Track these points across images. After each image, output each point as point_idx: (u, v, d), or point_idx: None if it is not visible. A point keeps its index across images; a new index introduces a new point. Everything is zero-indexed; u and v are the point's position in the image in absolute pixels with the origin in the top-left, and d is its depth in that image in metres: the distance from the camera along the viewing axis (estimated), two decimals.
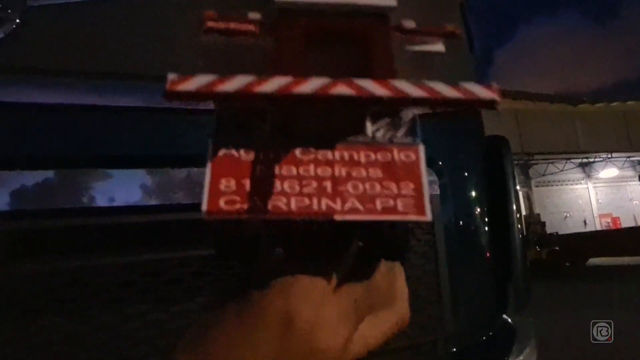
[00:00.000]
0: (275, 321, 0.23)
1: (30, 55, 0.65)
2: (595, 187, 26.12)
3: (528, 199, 23.59)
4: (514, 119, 19.71)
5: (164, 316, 0.66)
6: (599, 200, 26.06)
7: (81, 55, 0.68)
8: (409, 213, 0.22)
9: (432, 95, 0.19)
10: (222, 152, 0.23)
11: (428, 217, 0.23)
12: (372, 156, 0.24)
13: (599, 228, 23.96)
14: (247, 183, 0.22)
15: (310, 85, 0.18)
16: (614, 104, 22.61)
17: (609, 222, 25.18)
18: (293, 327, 0.23)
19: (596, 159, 24.18)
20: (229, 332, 0.24)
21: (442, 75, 0.20)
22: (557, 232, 19.63)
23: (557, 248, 14.15)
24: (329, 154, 0.24)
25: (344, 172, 0.23)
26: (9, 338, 0.58)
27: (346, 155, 0.24)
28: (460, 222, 0.93)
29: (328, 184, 0.23)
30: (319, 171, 0.23)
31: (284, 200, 0.22)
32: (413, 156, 0.24)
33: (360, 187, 0.23)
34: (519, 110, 20.07)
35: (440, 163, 0.90)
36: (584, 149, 21.59)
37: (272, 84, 0.18)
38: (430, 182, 0.87)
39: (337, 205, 0.22)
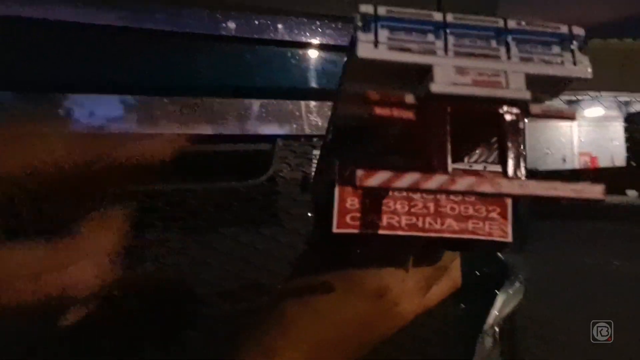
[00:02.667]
0: (371, 293, 0.30)
1: None
2: (580, 125, 26.41)
3: None
4: None
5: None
6: (581, 139, 26.50)
7: None
8: (493, 235, 0.27)
9: (552, 194, 0.21)
10: (346, 173, 0.27)
11: (509, 239, 0.27)
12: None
13: (577, 166, 24.60)
14: (367, 202, 0.27)
15: (465, 182, 0.21)
16: (611, 40, 22.21)
17: (587, 161, 25.83)
18: (384, 298, 0.30)
19: (584, 97, 24.20)
20: (332, 297, 0.30)
21: None
22: (536, 169, 20.14)
23: None
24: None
25: (444, 195, 0.28)
26: None
27: None
28: None
29: (431, 205, 0.28)
30: (424, 193, 0.27)
31: (396, 218, 0.27)
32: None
33: (457, 208, 0.28)
34: None
35: None
36: (574, 86, 21.46)
37: (436, 182, 0.21)
38: None
39: (437, 224, 0.27)
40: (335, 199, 0.27)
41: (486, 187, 0.21)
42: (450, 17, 0.22)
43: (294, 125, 0.74)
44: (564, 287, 3.80)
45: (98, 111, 0.63)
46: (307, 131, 0.74)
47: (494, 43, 0.22)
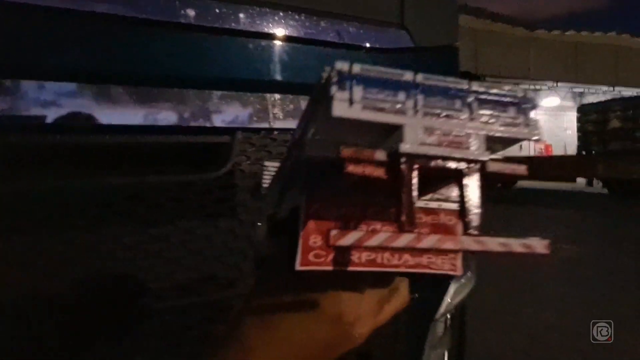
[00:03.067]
0: (329, 317, 0.31)
1: None
2: (537, 114, 27.37)
3: None
4: (472, 40, 19.64)
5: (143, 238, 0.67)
6: None
7: None
8: (445, 268, 0.29)
9: (505, 249, 0.24)
10: (312, 211, 0.28)
11: (459, 272, 0.29)
12: (424, 218, 0.29)
13: (532, 153, 25.65)
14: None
15: (430, 241, 0.24)
16: (568, 32, 23.00)
17: (542, 149, 26.95)
18: (341, 321, 0.31)
19: (542, 87, 25.09)
20: (292, 321, 0.31)
21: None
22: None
23: None
24: (392, 215, 0.29)
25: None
26: None
27: None
28: None
29: None
30: (384, 229, 0.29)
31: (357, 255, 0.28)
32: (454, 219, 0.30)
33: None
34: (478, 31, 19.93)
35: None
36: (534, 76, 22.24)
37: (404, 241, 0.24)
38: None
39: (395, 259, 0.28)
40: (300, 237, 0.27)
41: (449, 245, 0.24)
42: (420, 78, 0.23)
43: (255, 118, 0.74)
44: (514, 273, 3.99)
45: (46, 97, 0.60)
46: (268, 124, 0.74)
47: (458, 103, 0.24)
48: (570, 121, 26.65)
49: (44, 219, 0.62)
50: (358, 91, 0.22)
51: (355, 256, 0.28)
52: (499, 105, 0.25)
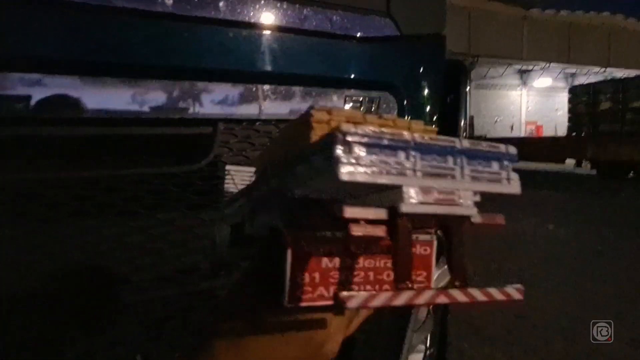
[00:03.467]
0: (300, 339, 0.32)
1: None
2: (528, 94, 27.45)
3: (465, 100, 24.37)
4: (466, 19, 19.43)
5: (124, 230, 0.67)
6: (528, 108, 27.62)
7: None
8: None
9: (488, 299, 0.26)
10: (298, 249, 0.29)
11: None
12: None
13: (523, 134, 25.76)
14: (316, 276, 0.29)
15: (427, 296, 0.25)
16: (562, 12, 22.83)
17: (533, 129, 27.09)
18: (312, 342, 0.33)
19: (535, 68, 25.02)
20: (263, 345, 0.32)
21: None
22: (486, 135, 20.90)
23: None
24: (374, 248, 0.31)
25: (382, 264, 0.31)
26: None
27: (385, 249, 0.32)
28: None
29: (371, 274, 0.31)
30: (366, 263, 0.31)
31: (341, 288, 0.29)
32: (429, 250, 0.32)
33: (392, 275, 0.31)
34: (472, 9, 19.71)
35: (400, 88, 0.91)
36: (527, 56, 22.15)
37: (404, 298, 0.25)
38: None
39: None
40: (288, 275, 0.28)
41: (442, 299, 0.26)
42: (417, 137, 0.24)
43: (237, 109, 0.73)
44: (500, 256, 4.06)
45: (19, 92, 0.59)
46: (250, 115, 0.73)
47: (450, 161, 0.25)
48: (561, 102, 26.74)
49: (22, 211, 0.61)
50: (361, 153, 0.23)
51: (339, 288, 0.29)
52: (484, 160, 0.26)
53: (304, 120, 0.26)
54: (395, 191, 0.24)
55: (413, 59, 0.95)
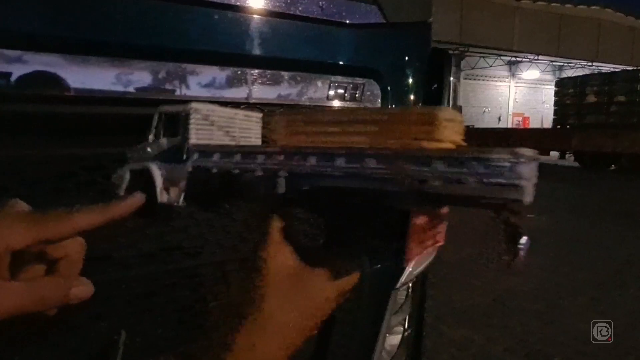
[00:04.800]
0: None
1: None
2: (517, 86, 27.63)
3: (454, 90, 24.49)
4: (458, 9, 19.39)
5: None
6: (516, 100, 27.82)
7: None
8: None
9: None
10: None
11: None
12: None
13: (510, 125, 25.99)
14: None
15: None
16: (553, 4, 22.89)
17: (519, 121, 27.32)
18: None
19: (524, 59, 25.15)
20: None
21: None
22: (473, 125, 21.07)
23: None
24: None
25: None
26: None
27: None
28: None
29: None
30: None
31: None
32: None
33: None
34: None
35: (384, 75, 0.92)
36: (517, 48, 22.22)
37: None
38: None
39: None
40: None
41: None
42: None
43: (222, 92, 0.74)
44: (481, 241, 4.12)
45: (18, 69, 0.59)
46: (235, 99, 0.74)
47: None
48: (548, 94, 26.94)
49: (3, 188, 0.62)
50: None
51: None
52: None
53: (428, 117, 0.28)
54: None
55: (398, 46, 0.96)
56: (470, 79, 25.86)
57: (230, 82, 0.76)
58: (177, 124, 0.49)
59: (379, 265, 1.02)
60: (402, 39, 0.96)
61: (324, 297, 0.39)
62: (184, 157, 0.48)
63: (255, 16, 0.73)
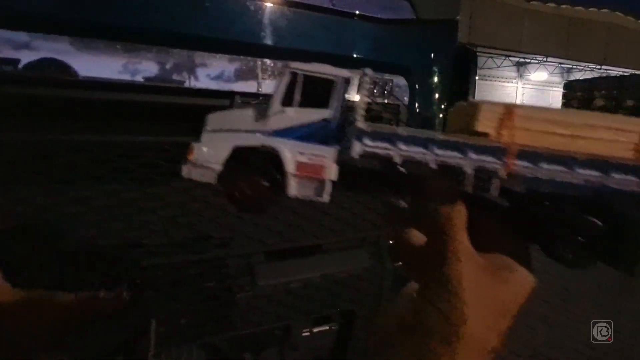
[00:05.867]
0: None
1: None
2: (524, 87, 27.46)
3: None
4: (467, 9, 19.25)
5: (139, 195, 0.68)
6: (523, 101, 27.65)
7: None
8: None
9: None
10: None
11: None
12: None
13: None
14: None
15: None
16: (563, 6, 22.69)
17: None
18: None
19: (532, 61, 24.98)
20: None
21: None
22: None
23: None
24: None
25: None
26: None
27: None
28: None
29: None
30: None
31: None
32: None
33: None
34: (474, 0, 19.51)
35: (413, 72, 0.92)
36: (526, 49, 22.06)
37: None
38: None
39: None
40: None
41: None
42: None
43: (252, 84, 0.74)
44: None
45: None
46: (266, 91, 0.74)
47: None
48: (555, 97, 26.75)
49: (39, 172, 0.62)
50: None
51: None
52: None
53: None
54: None
55: (427, 43, 0.95)
56: (479, 79, 25.64)
57: (262, 75, 0.76)
58: (326, 91, 0.38)
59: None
60: (431, 37, 0.95)
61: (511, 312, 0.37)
62: (347, 139, 0.37)
63: (290, 8, 0.73)
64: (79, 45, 0.64)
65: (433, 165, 0.32)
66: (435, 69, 1.00)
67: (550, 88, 27.28)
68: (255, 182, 0.37)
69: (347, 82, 0.39)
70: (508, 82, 26.83)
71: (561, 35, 22.48)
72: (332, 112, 0.38)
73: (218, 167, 0.41)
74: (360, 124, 0.37)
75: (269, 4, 0.72)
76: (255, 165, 0.36)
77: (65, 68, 0.64)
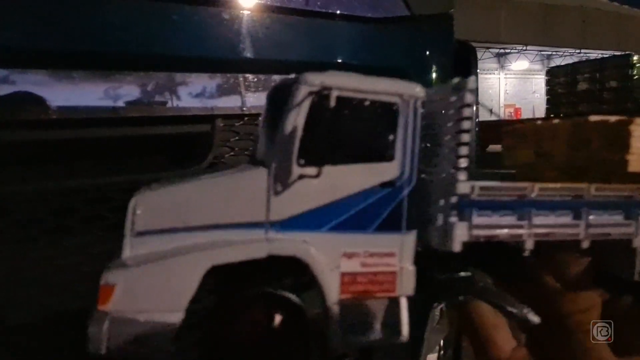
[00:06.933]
0: None
1: None
2: (506, 77, 27.73)
3: None
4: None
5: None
6: (507, 91, 27.94)
7: None
8: None
9: None
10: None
11: None
12: None
13: (502, 117, 26.12)
14: None
15: None
16: None
17: (511, 112, 27.43)
18: None
19: (512, 51, 25.27)
20: None
21: None
22: None
23: None
24: None
25: None
26: None
27: None
28: None
29: None
30: None
31: None
32: None
33: None
34: None
35: (410, 75, 0.83)
36: (505, 39, 22.28)
37: None
38: None
39: None
40: None
41: None
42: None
43: (235, 102, 0.65)
44: None
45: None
46: (251, 109, 0.65)
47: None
48: (538, 84, 27.04)
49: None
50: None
51: None
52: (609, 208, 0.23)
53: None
54: None
55: (423, 41, 0.87)
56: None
57: (245, 90, 0.67)
58: (384, 126, 0.22)
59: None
60: (427, 34, 0.87)
61: None
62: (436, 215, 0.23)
63: (274, 15, 0.64)
64: (58, 76, 0.55)
65: (585, 244, 0.22)
66: (432, 68, 0.92)
67: (532, 76, 27.57)
68: (259, 325, 0.23)
69: (420, 105, 0.25)
70: (490, 73, 27.04)
71: (538, 22, 22.73)
72: (399, 165, 0.24)
73: (175, 319, 0.23)
74: (465, 183, 0.24)
75: (256, 13, 0.63)
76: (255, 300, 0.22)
77: (39, 102, 0.55)
